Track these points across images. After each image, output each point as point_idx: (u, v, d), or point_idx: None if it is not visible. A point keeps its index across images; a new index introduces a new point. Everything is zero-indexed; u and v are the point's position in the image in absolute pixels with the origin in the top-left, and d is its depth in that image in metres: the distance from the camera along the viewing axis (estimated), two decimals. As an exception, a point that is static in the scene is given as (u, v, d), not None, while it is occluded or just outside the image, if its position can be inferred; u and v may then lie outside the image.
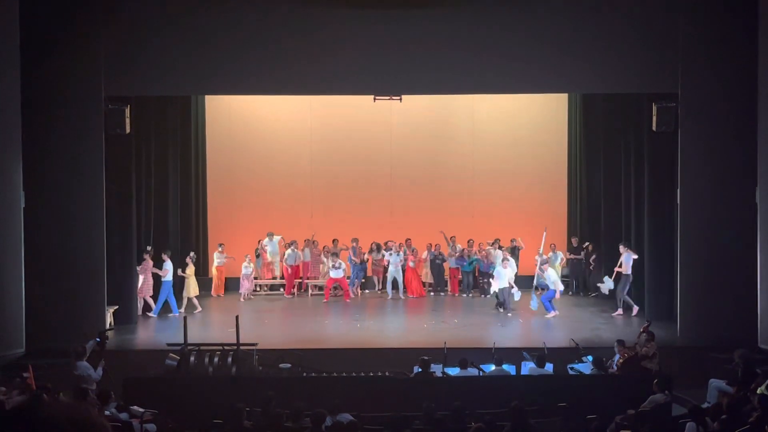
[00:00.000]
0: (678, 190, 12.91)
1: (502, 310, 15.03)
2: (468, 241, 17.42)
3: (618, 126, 15.96)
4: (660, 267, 14.12)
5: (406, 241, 17.37)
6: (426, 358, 10.05)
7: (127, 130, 13.14)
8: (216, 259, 17.02)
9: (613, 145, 16.27)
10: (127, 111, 13.02)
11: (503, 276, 15.07)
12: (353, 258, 16.99)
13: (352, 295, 16.64)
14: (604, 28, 12.84)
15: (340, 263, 16.32)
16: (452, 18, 12.88)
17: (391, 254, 16.78)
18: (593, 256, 16.83)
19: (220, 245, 17.12)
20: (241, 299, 16.68)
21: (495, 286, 15.37)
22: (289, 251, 17.07)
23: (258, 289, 17.47)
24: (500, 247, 16.94)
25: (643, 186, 14.55)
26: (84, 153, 12.65)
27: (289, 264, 17.01)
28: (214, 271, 17.12)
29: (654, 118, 13.07)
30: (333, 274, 16.37)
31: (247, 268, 16.82)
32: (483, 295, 17.12)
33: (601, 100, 16.42)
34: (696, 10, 12.48)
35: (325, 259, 16.96)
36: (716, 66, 12.50)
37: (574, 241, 17.44)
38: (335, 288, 16.77)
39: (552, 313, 14.47)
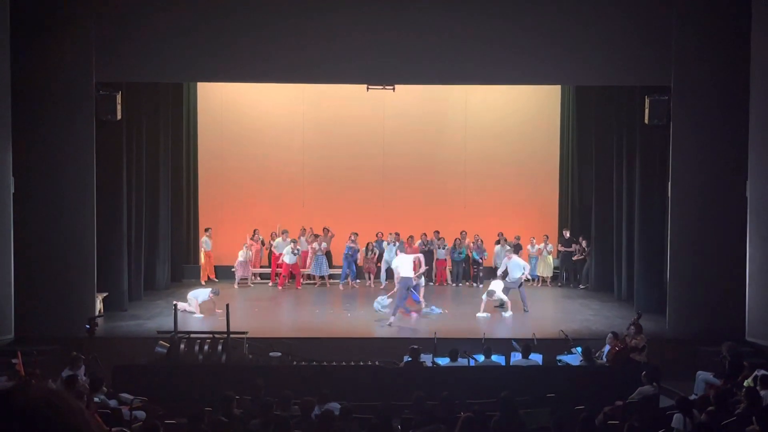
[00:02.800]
0: (669, 183, 12.95)
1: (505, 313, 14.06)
2: (461, 233, 17.39)
3: (610, 119, 15.98)
4: (650, 260, 14.19)
5: (409, 238, 17.34)
6: (416, 347, 10.07)
7: (118, 117, 13.04)
8: (204, 244, 16.90)
9: (605, 137, 16.29)
10: (119, 97, 12.91)
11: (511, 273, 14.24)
12: (351, 251, 16.72)
13: (300, 286, 16.62)
14: (597, 19, 12.81)
15: (298, 249, 16.20)
16: (446, 8, 12.84)
17: (387, 245, 16.74)
18: (587, 251, 16.90)
19: (207, 229, 17.03)
20: (235, 286, 16.60)
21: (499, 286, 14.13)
22: (278, 239, 17.01)
23: (254, 278, 17.42)
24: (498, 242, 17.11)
25: (635, 179, 14.60)
26: (74, 139, 12.55)
27: (279, 253, 16.96)
28: (202, 257, 17.00)
29: (646, 111, 13.08)
30: (288, 260, 16.23)
31: (242, 256, 16.74)
32: (474, 284, 17.17)
33: (594, 93, 16.43)
34: (689, 2, 12.48)
35: (317, 246, 16.88)
36: (709, 59, 12.51)
37: (566, 233, 17.50)
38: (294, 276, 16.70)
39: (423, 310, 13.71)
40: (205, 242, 16.98)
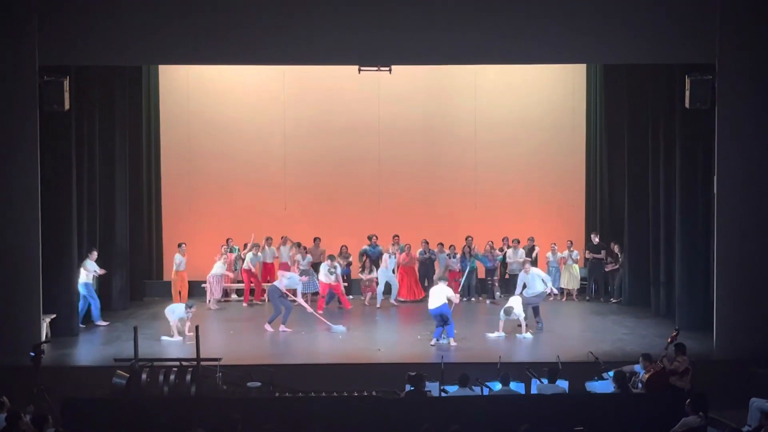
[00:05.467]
0: (714, 178, 12.96)
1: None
2: (467, 238, 17.38)
3: (645, 103, 16.01)
4: (693, 267, 14.18)
5: (394, 237, 17.36)
6: (416, 373, 10.07)
7: (66, 107, 13.02)
8: (176, 262, 16.78)
9: (638, 125, 16.32)
10: (66, 84, 12.89)
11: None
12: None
13: (349, 305, 16.53)
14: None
15: (335, 266, 16.24)
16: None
17: (389, 255, 16.70)
18: (620, 259, 16.94)
19: (180, 244, 16.92)
20: (210, 306, 16.62)
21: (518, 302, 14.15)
22: (250, 254, 17.05)
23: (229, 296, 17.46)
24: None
25: (674, 173, 14.61)
26: (14, 134, 12.54)
27: (248, 268, 17.03)
28: (174, 276, 16.91)
29: (687, 94, 13.09)
30: (325, 279, 16.27)
31: (220, 268, 16.78)
32: (489, 300, 17.18)
33: (626, 73, 16.46)
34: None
35: (300, 259, 16.88)
36: (759, 32, 12.53)
37: (594, 238, 17.52)
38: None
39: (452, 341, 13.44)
40: (177, 260, 16.78)
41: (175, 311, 13.95)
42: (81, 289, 14.62)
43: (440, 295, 13.48)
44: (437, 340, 13.35)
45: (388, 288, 16.99)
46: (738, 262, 12.71)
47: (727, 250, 12.78)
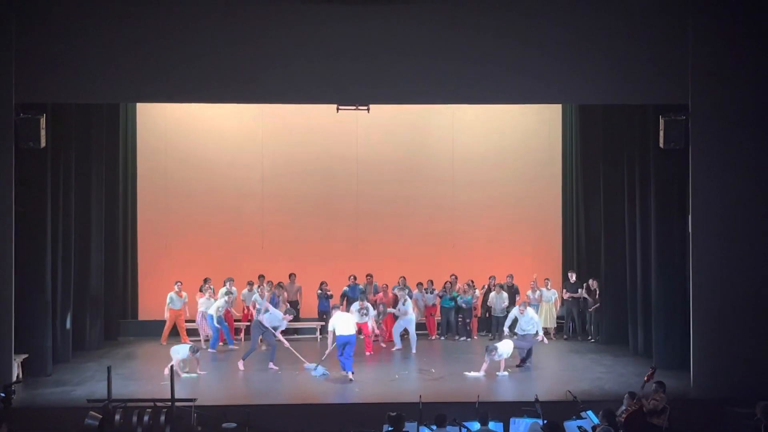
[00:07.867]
0: (689, 217, 13.10)
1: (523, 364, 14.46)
2: (451, 276, 17.45)
3: (620, 143, 16.19)
4: (670, 305, 14.26)
5: (367, 276, 17.33)
6: (395, 413, 9.99)
7: (42, 144, 12.98)
8: (170, 301, 16.60)
9: (614, 164, 16.49)
10: (42, 121, 12.85)
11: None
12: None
13: (370, 350, 16.17)
14: (603, 29, 13.02)
15: (367, 307, 16.10)
16: (429, 14, 13.00)
17: (406, 300, 16.34)
18: (596, 297, 16.99)
19: (177, 283, 16.75)
20: (202, 346, 16.32)
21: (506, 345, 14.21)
22: (245, 291, 16.99)
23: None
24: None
25: (650, 211, 14.75)
26: (-11, 171, 12.46)
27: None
28: (166, 314, 16.75)
29: (661, 134, 13.28)
30: (359, 320, 15.88)
31: (204, 304, 16.56)
32: (464, 338, 17.18)
33: (600, 113, 16.68)
34: (708, 11, 12.76)
35: (258, 299, 16.71)
36: (732, 74, 12.75)
37: (572, 276, 17.58)
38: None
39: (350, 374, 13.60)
40: (171, 298, 16.75)
41: (180, 351, 13.85)
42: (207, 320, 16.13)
43: (351, 322, 13.91)
44: (352, 372, 13.51)
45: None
46: (714, 300, 12.78)
47: (703, 288, 12.85)
